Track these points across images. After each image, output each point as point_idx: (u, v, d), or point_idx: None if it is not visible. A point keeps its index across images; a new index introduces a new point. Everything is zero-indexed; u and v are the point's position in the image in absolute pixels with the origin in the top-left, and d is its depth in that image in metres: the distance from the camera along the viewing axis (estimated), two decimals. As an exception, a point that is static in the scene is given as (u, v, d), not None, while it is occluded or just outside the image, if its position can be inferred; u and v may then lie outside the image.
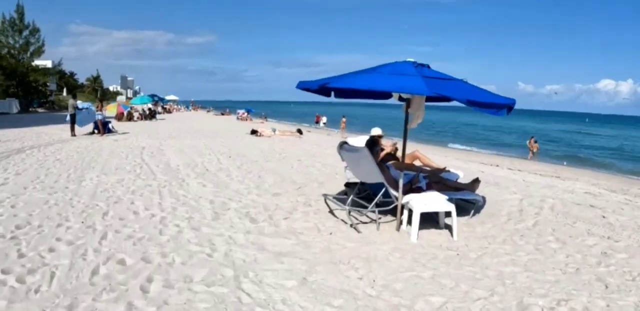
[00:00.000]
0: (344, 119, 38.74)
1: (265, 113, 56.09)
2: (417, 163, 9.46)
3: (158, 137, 21.30)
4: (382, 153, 9.01)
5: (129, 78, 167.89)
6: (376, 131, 9.67)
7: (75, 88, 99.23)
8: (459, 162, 18.34)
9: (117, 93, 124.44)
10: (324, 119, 48.09)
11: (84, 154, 14.24)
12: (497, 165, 19.12)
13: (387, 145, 9.56)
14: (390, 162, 8.23)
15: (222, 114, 59.42)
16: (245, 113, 45.95)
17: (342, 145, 7.35)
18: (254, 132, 23.73)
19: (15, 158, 12.81)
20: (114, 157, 13.62)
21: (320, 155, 15.26)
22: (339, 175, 11.02)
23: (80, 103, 25.07)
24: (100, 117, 22.08)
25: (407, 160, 8.63)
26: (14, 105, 48.33)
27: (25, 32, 53.30)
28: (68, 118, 21.46)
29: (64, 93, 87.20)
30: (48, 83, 60.48)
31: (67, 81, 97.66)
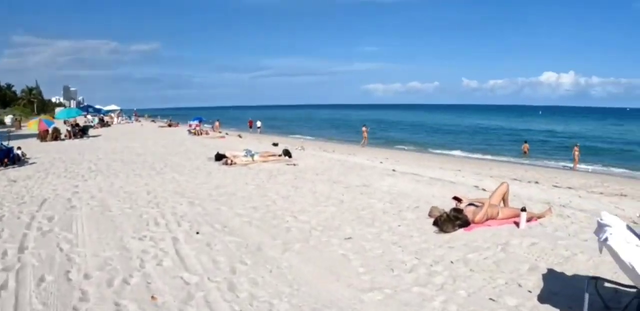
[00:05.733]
0: (365, 129, 32.64)
1: (220, 120, 47.95)
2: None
3: (79, 172, 13.82)
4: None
5: (71, 89, 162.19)
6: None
7: (12, 101, 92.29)
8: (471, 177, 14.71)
9: (60, 104, 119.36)
10: (258, 123, 49.48)
11: None
12: (537, 182, 15.46)
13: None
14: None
15: (170, 125, 50.72)
16: (199, 125, 37.77)
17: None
18: (220, 157, 16.29)
19: None
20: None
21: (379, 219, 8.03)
22: None
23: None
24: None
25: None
26: None
27: None
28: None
29: (-3, 107, 79.94)
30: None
31: (3, 94, 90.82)
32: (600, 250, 3.66)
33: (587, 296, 3.90)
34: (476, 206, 7.23)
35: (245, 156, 15.98)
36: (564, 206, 9.76)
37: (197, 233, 6.95)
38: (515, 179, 16.41)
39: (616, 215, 9.02)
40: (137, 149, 22.08)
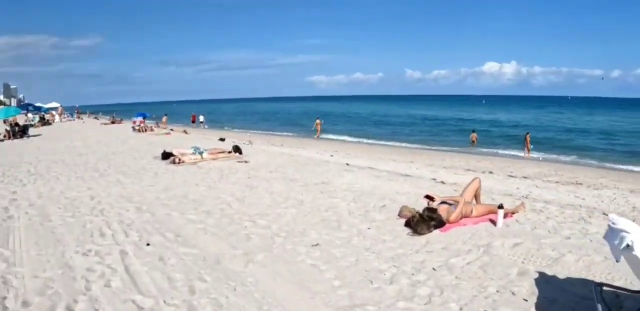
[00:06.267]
0: (318, 121, 32.23)
1: (167, 115, 47.24)
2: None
3: (17, 176, 12.56)
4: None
5: (12, 87, 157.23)
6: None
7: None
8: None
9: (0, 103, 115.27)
10: (201, 118, 49.00)
11: None
12: (491, 172, 15.76)
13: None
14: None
15: (113, 122, 48.86)
16: (143, 121, 36.40)
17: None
18: (167, 155, 15.46)
19: None
20: None
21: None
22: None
23: None
24: None
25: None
26: None
27: None
28: None
29: None
30: None
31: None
32: (618, 259, 3.23)
33: (599, 307, 3.49)
34: (449, 204, 6.79)
35: (194, 154, 15.18)
36: (525, 197, 9.57)
37: (148, 244, 6.26)
38: (469, 170, 16.29)
39: (580, 205, 8.83)
40: (79, 149, 20.87)
